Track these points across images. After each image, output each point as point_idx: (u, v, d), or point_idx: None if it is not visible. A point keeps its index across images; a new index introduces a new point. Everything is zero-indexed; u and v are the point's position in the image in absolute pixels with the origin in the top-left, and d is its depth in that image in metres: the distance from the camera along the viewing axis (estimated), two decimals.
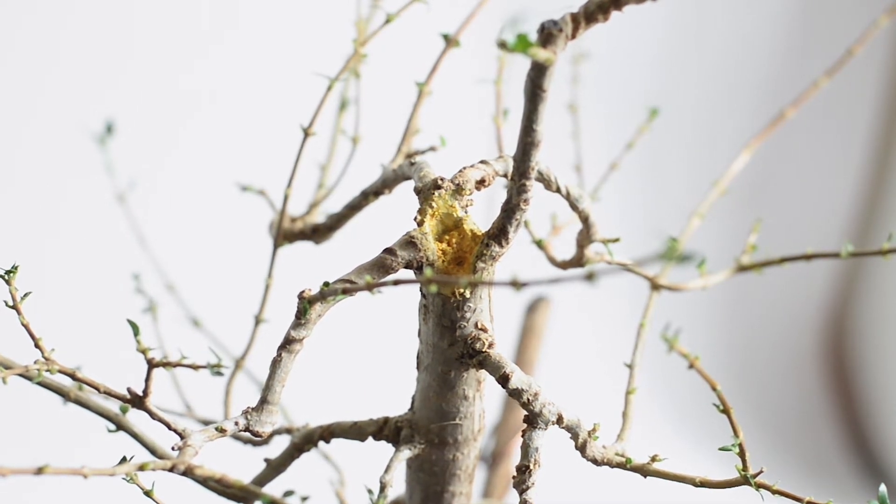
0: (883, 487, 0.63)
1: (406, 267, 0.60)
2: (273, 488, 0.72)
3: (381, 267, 0.59)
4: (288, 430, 0.75)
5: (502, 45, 0.45)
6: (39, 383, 0.63)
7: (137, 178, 1.04)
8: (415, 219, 0.60)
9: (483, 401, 0.67)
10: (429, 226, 0.60)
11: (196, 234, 1.58)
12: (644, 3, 0.49)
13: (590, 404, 0.81)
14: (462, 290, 0.60)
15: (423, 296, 0.62)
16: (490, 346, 0.62)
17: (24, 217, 1.54)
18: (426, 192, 0.61)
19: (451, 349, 0.62)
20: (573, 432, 0.63)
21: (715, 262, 0.78)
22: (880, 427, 1.77)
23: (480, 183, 0.61)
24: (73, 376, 0.61)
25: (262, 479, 0.72)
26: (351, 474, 0.88)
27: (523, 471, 0.62)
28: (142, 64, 1.58)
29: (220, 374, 0.62)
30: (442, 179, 0.61)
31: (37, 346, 0.61)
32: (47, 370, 0.60)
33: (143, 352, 0.60)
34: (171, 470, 0.58)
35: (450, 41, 0.73)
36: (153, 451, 0.70)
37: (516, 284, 0.45)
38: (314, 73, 0.75)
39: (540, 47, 0.49)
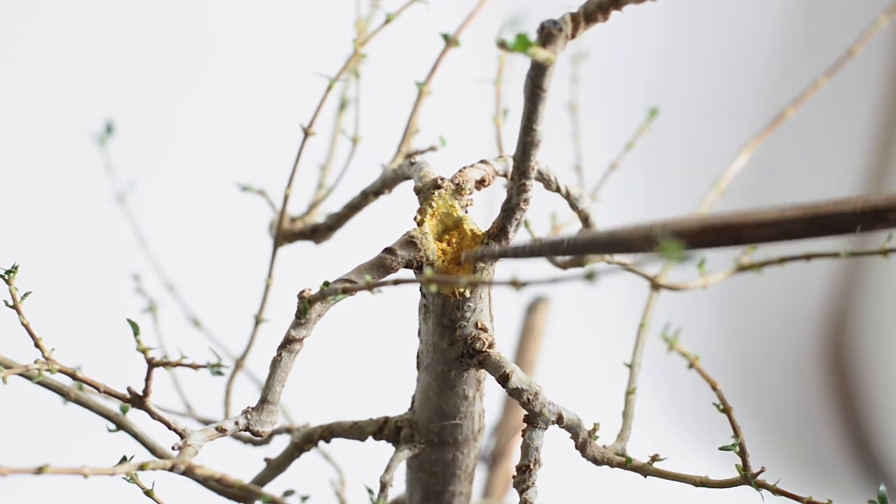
0: (883, 487, 0.63)
1: (406, 266, 0.60)
2: (273, 488, 0.72)
3: (381, 267, 0.59)
4: (288, 430, 0.75)
5: (502, 44, 0.45)
6: (39, 383, 0.63)
7: (137, 178, 1.04)
8: (415, 218, 0.61)
9: (483, 400, 0.67)
10: (429, 225, 0.60)
11: (196, 234, 1.58)
12: (644, 2, 0.49)
13: (590, 404, 0.80)
14: (462, 290, 0.60)
15: (423, 295, 0.62)
16: (490, 345, 0.62)
17: (24, 217, 1.54)
18: (426, 192, 0.61)
19: (451, 349, 0.62)
20: (573, 432, 0.64)
21: (715, 262, 0.78)
22: (880, 427, 1.77)
23: (480, 183, 0.61)
24: (73, 376, 0.61)
25: (263, 479, 0.72)
26: (351, 474, 0.88)
27: (523, 470, 0.62)
28: (142, 64, 1.58)
29: (220, 373, 0.62)
30: (442, 179, 0.61)
31: (37, 345, 0.61)
32: (47, 370, 0.60)
33: (143, 351, 0.60)
34: (171, 470, 0.58)
35: (450, 41, 0.73)
36: (153, 451, 0.70)
37: (516, 284, 0.45)
38: (314, 73, 0.75)
39: (540, 47, 0.49)
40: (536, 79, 0.50)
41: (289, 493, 0.76)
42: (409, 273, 0.61)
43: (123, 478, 0.58)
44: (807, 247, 0.78)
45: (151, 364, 0.60)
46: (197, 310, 0.97)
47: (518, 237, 0.60)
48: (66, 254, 1.55)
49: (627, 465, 0.65)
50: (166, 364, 0.60)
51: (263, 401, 0.61)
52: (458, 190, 0.61)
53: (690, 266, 0.54)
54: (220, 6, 1.62)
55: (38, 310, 0.70)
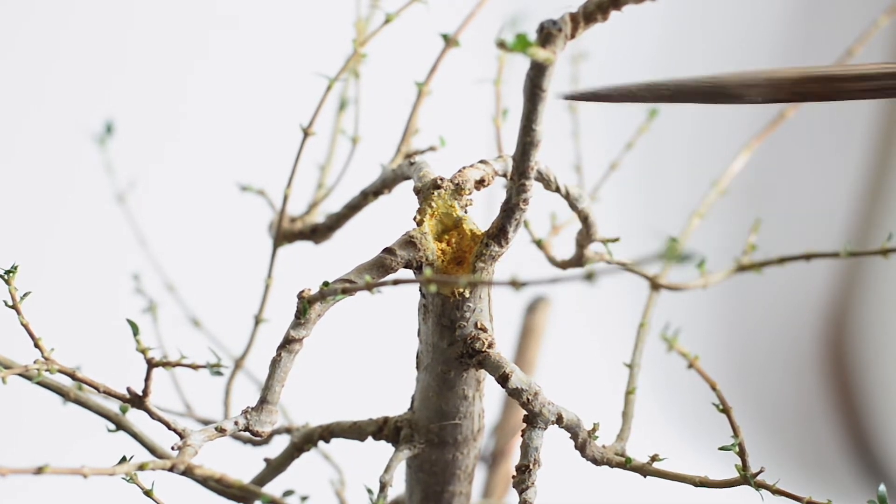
0: (883, 487, 0.63)
1: (406, 267, 0.60)
2: (273, 488, 0.72)
3: (380, 267, 0.59)
4: (288, 430, 0.75)
5: (502, 44, 0.45)
6: (39, 383, 0.63)
7: (137, 178, 1.04)
8: (414, 218, 0.61)
9: (483, 401, 0.67)
10: (428, 225, 0.60)
11: (196, 234, 1.58)
12: (643, 2, 0.49)
13: (590, 404, 0.80)
14: (461, 290, 0.60)
15: (423, 295, 0.62)
16: (489, 345, 0.62)
17: (24, 217, 1.54)
18: (425, 192, 0.61)
19: (450, 349, 0.62)
20: (573, 432, 0.64)
21: (715, 262, 0.78)
22: (880, 427, 1.77)
23: (480, 183, 0.61)
24: (72, 376, 0.61)
25: (262, 479, 0.72)
26: (351, 474, 0.88)
27: (523, 470, 0.62)
28: (142, 64, 1.58)
29: (219, 373, 0.62)
30: (441, 179, 0.61)
31: (36, 345, 0.61)
32: (47, 370, 0.60)
33: (143, 352, 0.60)
34: (170, 470, 0.58)
35: (449, 41, 0.73)
36: (153, 451, 0.70)
37: (516, 284, 0.45)
38: (314, 73, 0.75)
39: (539, 47, 0.49)
40: (536, 79, 0.50)
41: (288, 493, 0.76)
42: (408, 273, 0.61)
43: (123, 478, 0.58)
44: (806, 247, 0.78)
45: (151, 364, 0.60)
46: (197, 310, 0.97)
47: (519, 236, 0.60)
48: (66, 254, 1.55)
49: (627, 465, 0.65)
50: (166, 364, 0.60)
51: (263, 401, 0.61)
52: (458, 190, 0.61)
53: (690, 266, 0.54)
54: (220, 6, 1.62)
55: (38, 310, 0.70)
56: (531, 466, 0.62)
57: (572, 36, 0.50)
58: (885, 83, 0.47)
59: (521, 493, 0.62)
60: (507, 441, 1.14)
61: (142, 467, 0.56)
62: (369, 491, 0.65)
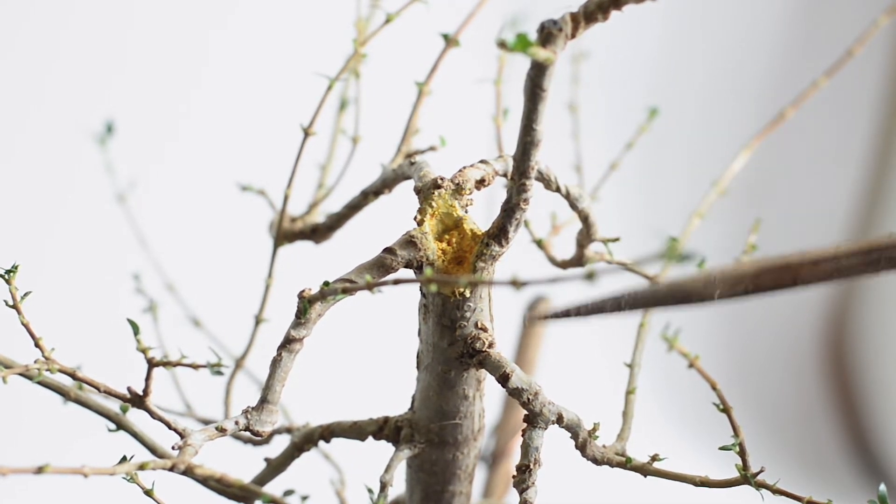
0: (883, 487, 0.63)
1: (406, 266, 0.60)
2: (273, 488, 0.72)
3: (380, 266, 0.59)
4: (288, 430, 0.75)
5: (502, 44, 0.45)
6: (39, 382, 0.63)
7: (137, 178, 1.04)
8: (415, 218, 0.61)
9: (483, 400, 0.67)
10: (429, 225, 0.60)
11: (196, 234, 1.58)
12: (644, 2, 0.49)
13: (590, 404, 0.81)
14: (462, 290, 0.60)
15: (423, 295, 0.62)
16: (490, 345, 0.62)
17: (24, 217, 1.54)
18: (426, 192, 0.61)
19: (451, 348, 0.62)
20: (573, 432, 0.64)
21: (715, 262, 0.78)
22: (880, 427, 1.77)
23: (480, 182, 0.61)
24: (73, 376, 0.61)
25: (262, 479, 0.72)
26: (351, 474, 0.88)
27: (523, 470, 0.62)
28: (142, 64, 1.58)
29: (220, 373, 0.62)
30: (442, 179, 0.61)
31: (37, 345, 0.61)
32: (47, 369, 0.60)
33: (143, 351, 0.60)
34: (171, 469, 0.58)
35: (450, 41, 0.73)
36: (153, 451, 0.70)
37: (516, 284, 0.45)
38: (314, 73, 0.75)
39: (540, 47, 0.49)
40: (536, 78, 0.50)
41: (289, 493, 0.76)
42: (409, 273, 0.61)
43: (123, 478, 0.58)
44: (806, 247, 0.78)
45: (151, 364, 0.60)
46: (197, 310, 0.97)
47: (519, 236, 0.60)
48: (66, 254, 1.55)
49: (627, 464, 0.65)
50: (166, 364, 0.60)
51: (263, 400, 0.61)
52: (458, 190, 0.61)
53: (690, 266, 0.54)
54: (220, 6, 1.62)
55: (38, 310, 0.70)
56: (531, 466, 0.62)
57: (573, 36, 0.50)
58: (841, 264, 0.47)
59: (521, 492, 0.63)
60: (508, 441, 1.14)
61: (142, 467, 0.56)
62: (369, 491, 0.65)
